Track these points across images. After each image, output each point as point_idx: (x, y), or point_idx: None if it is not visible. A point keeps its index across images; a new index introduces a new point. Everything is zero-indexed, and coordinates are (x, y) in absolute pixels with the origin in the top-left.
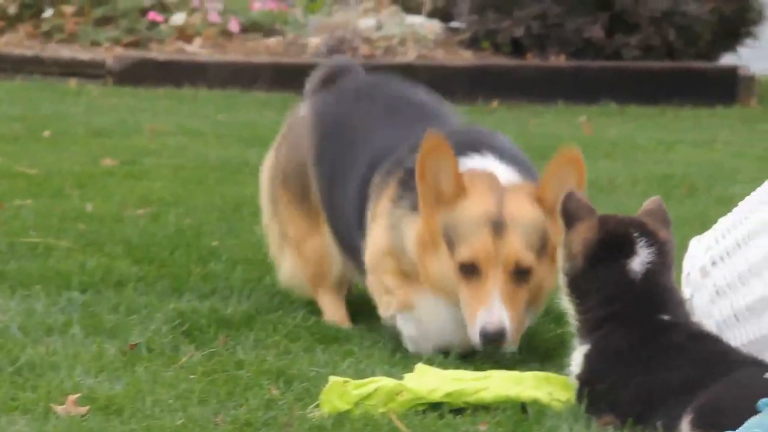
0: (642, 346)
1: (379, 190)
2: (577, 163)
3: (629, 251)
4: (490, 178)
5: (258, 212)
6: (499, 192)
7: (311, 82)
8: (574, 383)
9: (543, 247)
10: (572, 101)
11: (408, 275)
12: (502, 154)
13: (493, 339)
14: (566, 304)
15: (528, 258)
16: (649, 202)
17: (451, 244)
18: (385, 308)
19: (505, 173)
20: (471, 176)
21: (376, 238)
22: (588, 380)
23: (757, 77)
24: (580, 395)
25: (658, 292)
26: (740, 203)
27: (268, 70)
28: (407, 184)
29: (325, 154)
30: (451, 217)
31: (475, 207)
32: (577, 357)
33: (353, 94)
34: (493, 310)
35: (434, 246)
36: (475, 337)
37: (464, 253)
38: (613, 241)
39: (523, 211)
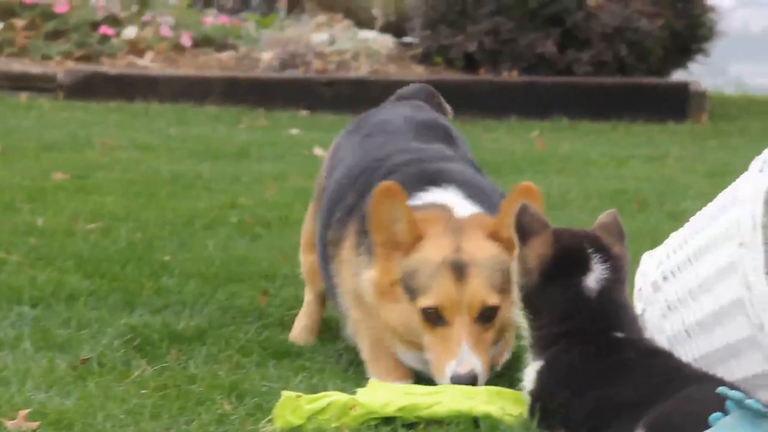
0: (595, 363)
1: (338, 237)
2: (534, 195)
3: (584, 267)
4: (446, 218)
5: (211, 225)
6: (457, 232)
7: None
8: (527, 399)
9: (505, 283)
10: (525, 116)
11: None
12: (463, 185)
13: (465, 383)
14: (520, 320)
15: (493, 298)
16: (604, 216)
17: (411, 292)
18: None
19: (463, 207)
20: (426, 219)
21: (346, 281)
22: (541, 396)
23: (708, 93)
24: (532, 411)
25: (612, 308)
26: (691, 219)
27: (221, 85)
28: (363, 232)
29: (324, 188)
30: (410, 265)
31: (433, 252)
32: (530, 373)
33: (351, 126)
34: (462, 362)
35: (393, 294)
36: (443, 381)
37: (427, 300)
38: (567, 257)
39: (483, 250)
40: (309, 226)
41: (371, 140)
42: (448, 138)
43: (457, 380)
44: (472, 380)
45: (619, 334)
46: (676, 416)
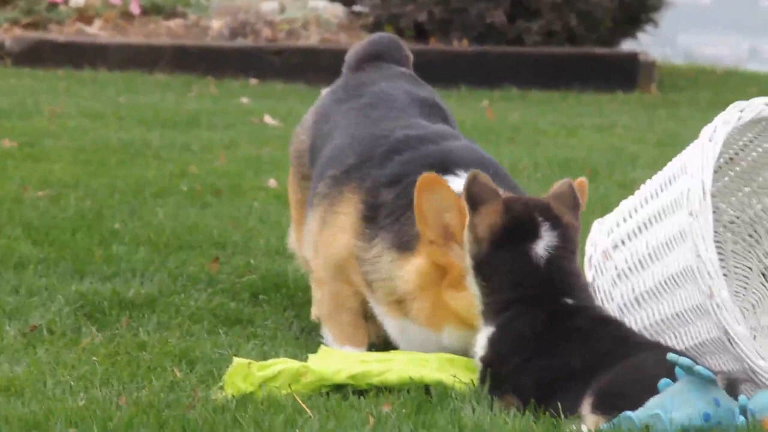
0: (545, 330)
1: (329, 193)
2: (584, 191)
3: (533, 235)
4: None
5: (161, 194)
6: None
7: (346, 62)
8: (478, 365)
9: None
10: (475, 86)
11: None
12: (480, 167)
13: None
14: (473, 287)
15: None
16: (559, 185)
17: None
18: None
19: None
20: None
21: (337, 244)
22: (491, 362)
23: (656, 63)
24: (482, 377)
25: (561, 276)
26: (641, 187)
27: (170, 53)
28: (373, 221)
29: (315, 152)
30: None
31: None
32: (482, 339)
33: (342, 93)
34: None
35: (457, 282)
36: None
37: None
38: (517, 225)
39: None
40: (296, 195)
41: (375, 111)
42: (445, 118)
43: None
44: None
45: (570, 301)
46: (626, 383)
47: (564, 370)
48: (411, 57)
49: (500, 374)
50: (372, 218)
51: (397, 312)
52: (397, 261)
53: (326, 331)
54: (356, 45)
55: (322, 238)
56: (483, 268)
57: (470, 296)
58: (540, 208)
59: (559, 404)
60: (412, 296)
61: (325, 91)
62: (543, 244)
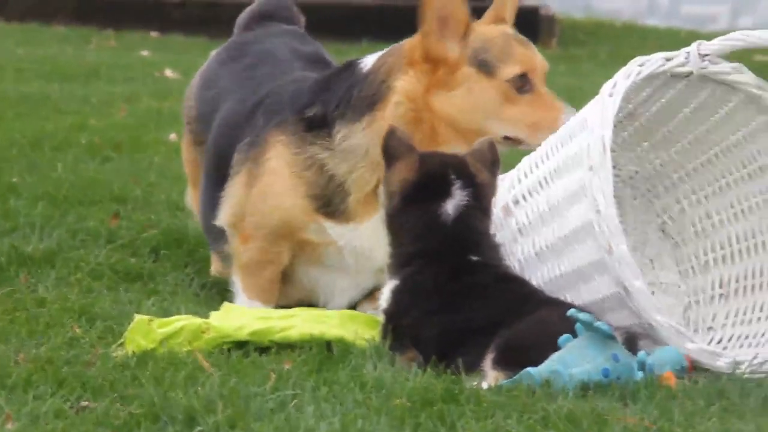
0: (448, 285)
1: (254, 154)
2: None
3: (444, 193)
4: None
5: (60, 147)
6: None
7: (237, 22)
8: (382, 318)
9: None
10: (377, 40)
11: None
12: None
13: None
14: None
15: None
16: (479, 142)
17: (489, 66)
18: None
19: None
20: None
21: (262, 196)
22: (393, 315)
23: (557, 17)
24: (385, 330)
25: (469, 234)
26: (542, 143)
27: (69, 4)
28: (316, 124)
29: (204, 119)
30: (479, 40)
31: (493, 29)
32: (386, 292)
33: (225, 54)
34: (569, 109)
35: (447, 79)
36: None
37: (515, 68)
38: (428, 182)
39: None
40: (189, 156)
41: (259, 69)
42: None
43: None
44: None
45: (475, 258)
46: (527, 338)
47: (466, 325)
48: (302, 18)
49: (402, 327)
50: (312, 127)
51: (375, 199)
52: (373, 117)
53: (239, 284)
54: (249, 6)
55: (255, 197)
56: (393, 221)
57: (463, 93)
58: (455, 165)
59: (460, 360)
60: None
61: (212, 53)
62: (453, 203)
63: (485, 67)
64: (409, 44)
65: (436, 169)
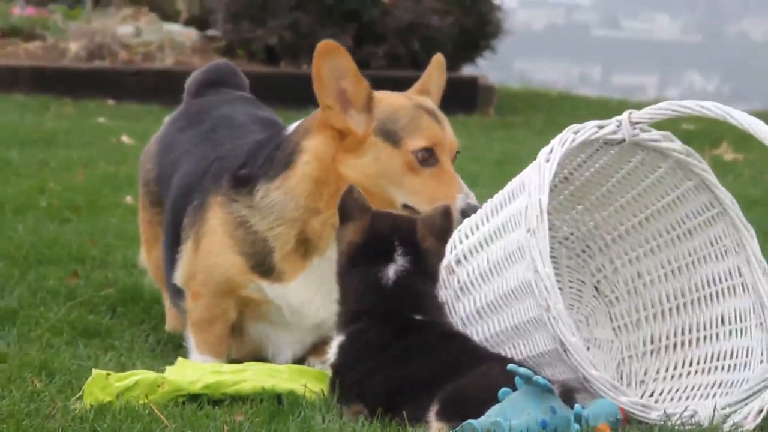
0: (393, 342)
1: (199, 216)
2: (441, 66)
3: (386, 259)
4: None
5: (20, 209)
6: (397, 93)
7: (186, 89)
8: (329, 372)
9: None
10: None
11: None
12: None
13: (470, 213)
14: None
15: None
16: (434, 209)
17: (394, 136)
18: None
19: None
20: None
21: (206, 254)
22: (340, 370)
23: (495, 87)
24: (332, 384)
25: (410, 295)
26: (482, 205)
27: (28, 74)
28: (243, 185)
29: (163, 181)
30: (386, 111)
31: (401, 100)
32: (334, 347)
33: (183, 121)
34: (470, 194)
35: (355, 146)
36: (456, 215)
37: (419, 142)
38: (373, 247)
39: (432, 103)
40: (146, 216)
41: (219, 133)
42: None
43: (469, 210)
44: (475, 211)
45: (419, 317)
46: (469, 391)
47: (411, 380)
48: (247, 82)
49: (348, 382)
50: (239, 186)
51: (301, 258)
52: (286, 176)
53: (191, 340)
54: (195, 73)
55: (200, 256)
56: (341, 279)
57: (369, 161)
58: (402, 231)
59: (405, 413)
60: (319, 182)
61: (167, 119)
62: (394, 267)
63: (391, 138)
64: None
65: (381, 234)
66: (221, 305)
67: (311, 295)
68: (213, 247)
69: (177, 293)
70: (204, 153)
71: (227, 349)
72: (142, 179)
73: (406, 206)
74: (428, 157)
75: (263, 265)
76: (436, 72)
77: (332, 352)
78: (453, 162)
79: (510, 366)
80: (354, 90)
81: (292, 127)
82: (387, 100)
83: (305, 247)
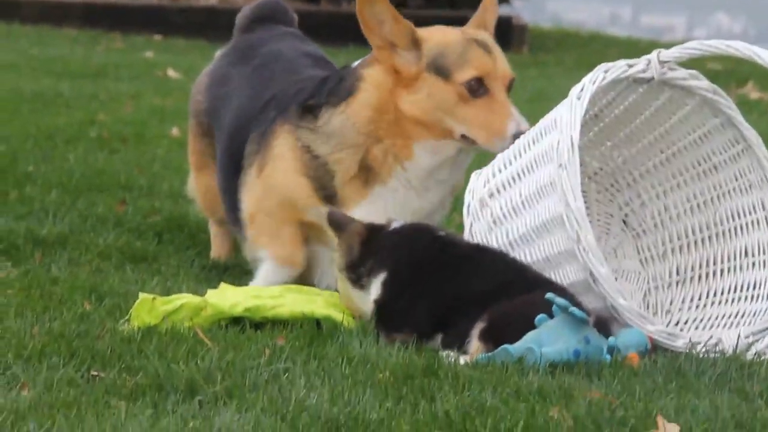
0: (435, 257)
1: (263, 145)
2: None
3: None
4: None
5: (71, 140)
6: (452, 28)
7: (237, 24)
8: (371, 307)
9: None
10: (362, 45)
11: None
12: None
13: (519, 136)
14: (346, 280)
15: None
16: None
17: (445, 71)
18: (262, 248)
19: None
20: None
21: (273, 179)
22: (386, 302)
23: (528, 27)
24: (379, 318)
25: (422, 224)
26: (516, 141)
27: (79, 9)
28: (308, 113)
29: (213, 113)
30: (434, 48)
31: (450, 34)
32: (375, 285)
33: (234, 56)
34: (521, 121)
35: (410, 84)
36: (504, 142)
37: (468, 72)
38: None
39: (487, 35)
40: (196, 146)
41: (269, 68)
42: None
43: (518, 136)
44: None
45: (443, 233)
46: (514, 316)
47: (456, 299)
48: (296, 18)
49: (396, 312)
50: (306, 114)
51: (362, 186)
52: (348, 102)
53: (266, 255)
54: (245, 8)
55: (264, 180)
56: (360, 255)
57: (423, 97)
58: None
59: (441, 336)
60: (374, 123)
61: (218, 54)
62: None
63: (441, 72)
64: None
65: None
66: (286, 219)
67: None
68: (278, 170)
69: (236, 221)
70: (256, 87)
71: (304, 258)
72: (193, 111)
73: (464, 137)
74: (478, 87)
75: (326, 190)
76: (490, 7)
77: (374, 290)
78: (508, 91)
79: (548, 295)
80: (396, 32)
81: (356, 63)
82: (437, 36)
83: (367, 174)
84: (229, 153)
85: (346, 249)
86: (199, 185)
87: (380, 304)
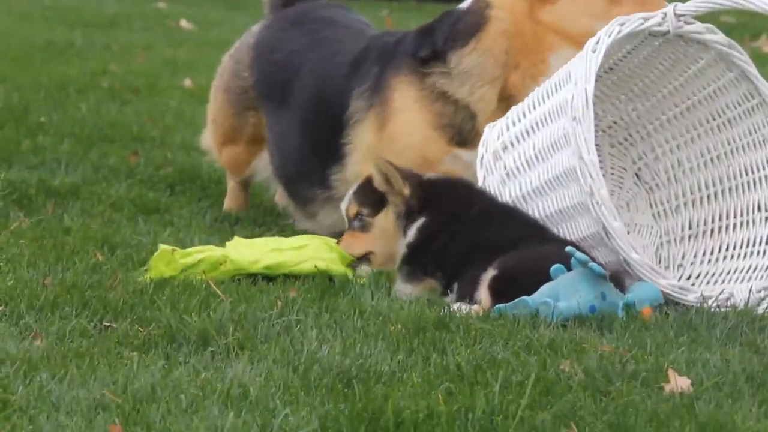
0: (472, 205)
1: (376, 99)
2: None
3: None
4: None
5: (83, 90)
6: None
7: (270, 2)
8: (403, 251)
9: None
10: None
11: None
12: None
13: None
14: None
15: None
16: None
17: None
18: None
19: None
20: None
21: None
22: (419, 245)
23: None
24: (408, 260)
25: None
26: (530, 94)
27: None
28: (420, 73)
29: (269, 84)
30: None
31: None
32: (412, 230)
33: (279, 25)
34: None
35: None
36: None
37: None
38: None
39: None
40: (226, 122)
41: (329, 32)
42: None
43: None
44: None
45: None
46: (527, 266)
47: (481, 245)
48: None
49: (428, 254)
50: (429, 62)
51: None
52: (479, 38)
53: None
54: None
55: (388, 138)
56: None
57: (567, 6)
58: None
59: (457, 285)
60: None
61: (256, 28)
62: None
63: None
64: None
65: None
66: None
67: None
68: (405, 126)
69: (322, 181)
70: (327, 49)
71: None
72: (236, 87)
73: None
74: None
75: (463, 134)
76: None
77: (410, 235)
78: None
79: (569, 248)
80: None
81: (465, 4)
82: None
83: (507, 105)
84: (313, 115)
85: (401, 201)
86: (227, 157)
87: (411, 249)
